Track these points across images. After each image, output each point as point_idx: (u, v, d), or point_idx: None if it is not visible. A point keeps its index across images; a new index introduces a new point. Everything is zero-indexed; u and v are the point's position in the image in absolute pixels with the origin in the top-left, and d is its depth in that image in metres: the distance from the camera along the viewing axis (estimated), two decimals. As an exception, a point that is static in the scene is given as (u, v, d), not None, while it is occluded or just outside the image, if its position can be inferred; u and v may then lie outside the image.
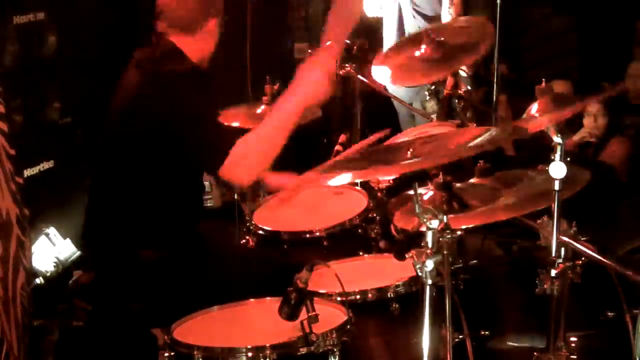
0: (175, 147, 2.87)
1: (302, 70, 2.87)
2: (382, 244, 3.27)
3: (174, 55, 3.00)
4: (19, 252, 3.28)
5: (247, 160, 2.85)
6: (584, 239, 2.56)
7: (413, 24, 5.16)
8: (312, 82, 2.85)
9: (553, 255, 2.45)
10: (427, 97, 4.37)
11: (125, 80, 3.06)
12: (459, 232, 3.35)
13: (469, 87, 4.77)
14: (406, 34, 5.20)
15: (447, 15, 4.88)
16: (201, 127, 2.85)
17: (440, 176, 2.64)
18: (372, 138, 3.34)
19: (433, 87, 4.29)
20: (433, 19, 5.16)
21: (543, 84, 2.54)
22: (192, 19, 3.02)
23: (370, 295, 2.78)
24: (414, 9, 5.05)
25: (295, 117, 2.86)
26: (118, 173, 3.03)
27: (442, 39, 3.68)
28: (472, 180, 2.92)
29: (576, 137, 5.56)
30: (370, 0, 5.32)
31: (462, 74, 4.72)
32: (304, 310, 2.45)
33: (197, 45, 3.05)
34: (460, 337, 2.76)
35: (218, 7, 3.08)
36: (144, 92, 2.95)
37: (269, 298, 2.78)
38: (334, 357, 2.47)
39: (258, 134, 2.88)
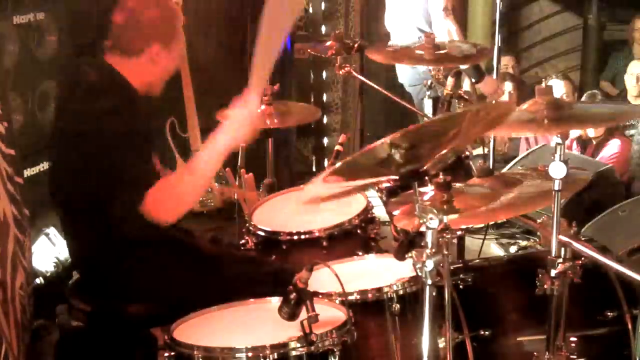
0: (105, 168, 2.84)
1: (228, 113, 2.91)
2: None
3: (111, 81, 2.96)
4: (17, 252, 3.28)
5: (170, 199, 2.81)
6: (584, 239, 2.56)
7: (413, 35, 5.16)
8: (239, 126, 2.87)
9: (553, 255, 2.45)
10: (427, 95, 4.37)
11: (64, 96, 3.13)
12: (458, 232, 3.37)
13: (472, 80, 4.78)
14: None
15: (437, 18, 4.86)
16: (121, 158, 2.81)
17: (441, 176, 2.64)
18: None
19: (430, 81, 4.29)
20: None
21: (543, 84, 2.54)
22: (133, 41, 2.96)
23: (370, 295, 2.78)
24: (417, 28, 5.05)
25: (222, 158, 2.88)
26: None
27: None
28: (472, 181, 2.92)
29: (575, 134, 5.57)
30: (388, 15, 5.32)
31: (463, 65, 4.72)
32: (304, 310, 2.45)
33: (139, 71, 2.98)
34: (460, 337, 2.76)
35: (166, 34, 2.99)
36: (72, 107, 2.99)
37: (269, 298, 2.78)
38: (334, 357, 2.47)
39: (184, 174, 2.90)
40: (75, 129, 2.92)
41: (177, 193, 2.82)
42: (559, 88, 5.87)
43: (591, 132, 5.55)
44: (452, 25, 4.80)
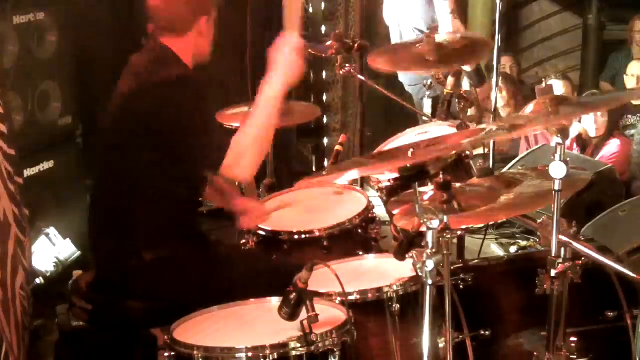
0: (172, 153, 2.87)
1: (273, 54, 2.94)
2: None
3: (166, 60, 2.97)
4: (17, 252, 3.28)
5: (245, 154, 2.86)
6: (584, 239, 2.56)
7: (412, 36, 5.17)
8: (286, 63, 2.93)
9: (553, 255, 2.45)
10: (426, 95, 4.38)
11: (121, 88, 3.04)
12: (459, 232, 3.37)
13: (472, 83, 4.78)
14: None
15: (446, 20, 4.87)
16: (196, 132, 2.85)
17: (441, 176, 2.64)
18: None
19: (430, 81, 4.29)
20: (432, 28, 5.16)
21: (543, 84, 2.54)
22: (181, 19, 2.98)
23: (370, 295, 2.78)
24: (415, 29, 5.06)
25: (280, 101, 2.91)
26: (117, 177, 3.03)
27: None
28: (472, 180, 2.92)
29: (575, 133, 5.57)
30: (385, 10, 5.32)
31: (465, 68, 4.73)
32: (304, 310, 2.45)
33: (190, 46, 3.02)
34: (460, 337, 2.76)
35: (207, 5, 3.02)
36: (138, 101, 2.95)
37: (269, 298, 2.78)
38: (334, 357, 2.47)
39: (251, 127, 2.89)
40: (143, 108, 2.91)
41: (249, 148, 2.85)
42: (558, 88, 5.87)
43: (592, 132, 5.55)
44: (461, 26, 4.82)
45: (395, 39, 5.25)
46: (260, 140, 2.89)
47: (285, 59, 2.93)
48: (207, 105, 2.96)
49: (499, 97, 6.19)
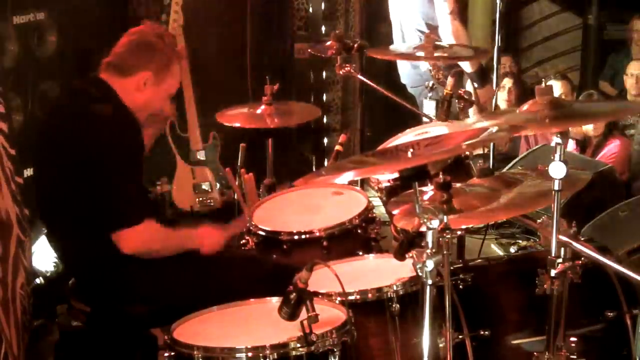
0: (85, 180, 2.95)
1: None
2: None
3: (103, 92, 3.07)
4: (18, 252, 3.28)
5: (151, 245, 3.00)
6: (583, 239, 2.56)
7: (414, 37, 5.17)
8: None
9: (553, 255, 2.45)
10: (428, 96, 4.37)
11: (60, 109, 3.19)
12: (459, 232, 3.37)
13: (474, 85, 4.78)
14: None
15: (445, 20, 4.87)
16: (112, 169, 2.93)
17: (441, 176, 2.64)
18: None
19: (432, 83, 4.29)
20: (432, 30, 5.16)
21: (543, 84, 2.54)
22: (128, 63, 3.08)
23: (370, 295, 2.78)
24: (417, 29, 5.06)
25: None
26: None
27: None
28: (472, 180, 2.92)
29: (576, 132, 5.57)
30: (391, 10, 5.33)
31: (467, 69, 4.73)
32: (304, 310, 2.45)
33: (129, 91, 3.08)
34: (460, 337, 2.76)
35: (159, 66, 3.09)
36: (69, 126, 3.04)
37: (269, 298, 2.78)
38: (334, 357, 2.47)
39: (165, 238, 3.07)
40: (69, 137, 3.00)
41: (158, 245, 3.03)
42: (556, 89, 5.87)
43: (590, 131, 5.55)
44: (460, 27, 4.81)
45: (397, 39, 5.24)
46: (167, 249, 3.06)
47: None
48: (130, 148, 3.03)
49: (504, 98, 6.21)
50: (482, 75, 4.79)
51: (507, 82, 6.31)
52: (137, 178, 3.09)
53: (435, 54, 3.93)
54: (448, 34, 4.74)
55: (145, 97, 3.11)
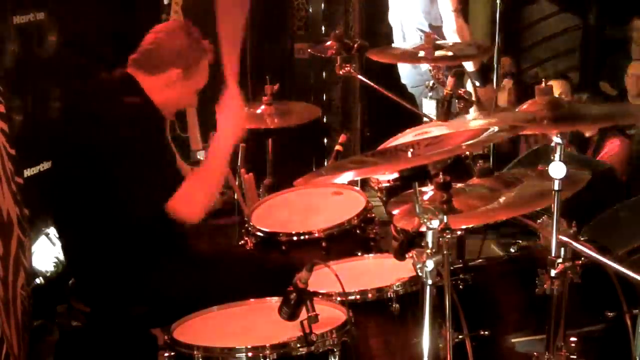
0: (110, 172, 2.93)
1: (219, 112, 3.09)
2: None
3: (130, 86, 3.07)
4: (19, 252, 3.28)
5: (195, 196, 2.97)
6: (583, 239, 2.55)
7: (415, 37, 5.17)
8: (230, 120, 3.08)
9: (553, 255, 2.45)
10: (428, 96, 4.37)
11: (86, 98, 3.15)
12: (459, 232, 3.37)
13: (477, 83, 4.78)
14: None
15: (450, 18, 4.87)
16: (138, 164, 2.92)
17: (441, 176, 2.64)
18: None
19: (432, 83, 4.29)
20: (434, 29, 5.15)
21: (543, 84, 2.54)
22: (154, 60, 3.07)
23: (370, 295, 2.78)
24: (418, 29, 5.06)
25: (229, 152, 3.09)
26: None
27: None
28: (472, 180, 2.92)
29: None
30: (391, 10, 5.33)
31: (469, 68, 4.73)
32: (304, 310, 2.45)
33: (154, 88, 3.09)
34: (460, 337, 2.76)
35: (188, 64, 3.09)
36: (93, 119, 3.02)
37: (269, 298, 2.78)
38: (334, 357, 2.47)
39: (202, 172, 3.06)
40: (92, 131, 2.97)
41: (198, 190, 2.99)
42: (555, 89, 5.87)
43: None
44: (464, 24, 4.82)
45: (397, 40, 5.24)
46: (210, 185, 3.03)
47: (229, 117, 3.07)
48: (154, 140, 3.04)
49: (504, 98, 6.21)
50: (484, 75, 4.79)
51: (507, 83, 6.32)
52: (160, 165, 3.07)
53: (437, 54, 3.92)
54: (452, 31, 4.74)
55: (175, 94, 3.11)
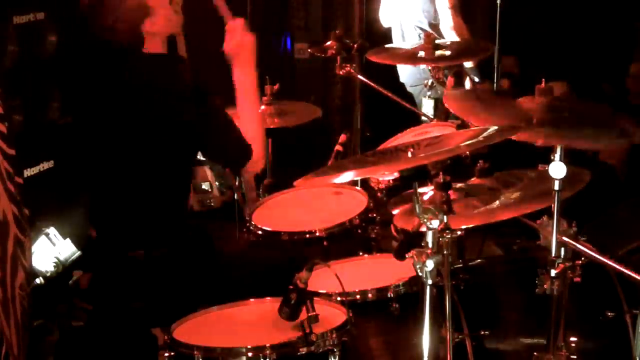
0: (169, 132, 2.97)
1: (227, 47, 3.17)
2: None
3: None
4: (17, 251, 3.27)
5: (260, 145, 3.03)
6: (584, 239, 2.55)
7: (414, 35, 5.17)
8: (242, 48, 3.15)
9: (553, 255, 2.45)
10: (427, 95, 4.38)
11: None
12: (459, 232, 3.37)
13: (475, 79, 4.78)
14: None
15: (446, 16, 4.87)
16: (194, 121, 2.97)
17: (441, 176, 2.64)
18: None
19: (431, 82, 4.29)
20: (433, 27, 5.16)
21: (543, 84, 2.54)
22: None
23: (370, 295, 2.78)
24: (417, 27, 5.06)
25: (256, 83, 3.11)
26: (112, 168, 3.12)
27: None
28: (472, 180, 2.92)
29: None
30: (383, 11, 5.34)
31: (468, 65, 4.73)
32: (304, 310, 2.45)
33: (161, 22, 3.23)
34: (460, 337, 2.76)
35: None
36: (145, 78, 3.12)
37: (269, 298, 2.78)
38: (334, 357, 2.47)
39: (251, 119, 3.05)
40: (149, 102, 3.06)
41: (259, 138, 3.05)
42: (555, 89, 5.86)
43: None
44: (462, 22, 4.82)
45: (397, 39, 5.24)
46: (261, 128, 3.07)
47: (239, 45, 3.14)
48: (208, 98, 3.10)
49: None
50: (482, 71, 4.79)
51: (505, 83, 6.30)
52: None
53: (437, 54, 3.92)
54: (449, 28, 4.74)
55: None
